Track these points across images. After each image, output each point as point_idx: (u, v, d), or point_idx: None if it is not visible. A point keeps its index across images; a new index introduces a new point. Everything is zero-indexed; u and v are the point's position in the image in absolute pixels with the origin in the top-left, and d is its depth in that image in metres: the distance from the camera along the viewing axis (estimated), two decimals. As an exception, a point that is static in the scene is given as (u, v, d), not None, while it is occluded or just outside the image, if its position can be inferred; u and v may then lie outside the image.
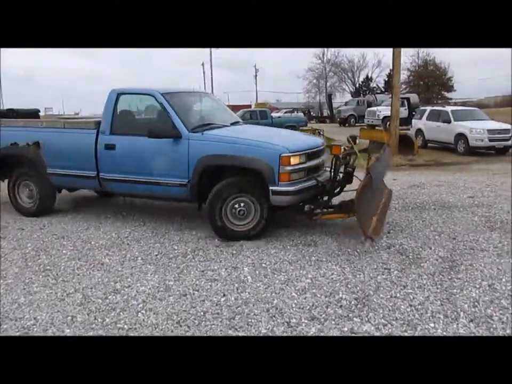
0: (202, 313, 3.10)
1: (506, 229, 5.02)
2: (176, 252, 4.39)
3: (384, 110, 22.78)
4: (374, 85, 53.36)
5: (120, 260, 4.19)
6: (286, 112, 33.91)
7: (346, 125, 30.97)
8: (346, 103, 37.35)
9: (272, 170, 4.46)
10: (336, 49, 52.66)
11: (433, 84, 43.19)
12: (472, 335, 2.80)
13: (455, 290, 3.40)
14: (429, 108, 15.90)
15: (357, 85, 55.20)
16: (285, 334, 2.82)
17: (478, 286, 3.47)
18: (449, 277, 3.66)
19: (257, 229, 4.70)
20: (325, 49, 53.68)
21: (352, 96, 50.85)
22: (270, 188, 4.48)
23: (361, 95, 45.71)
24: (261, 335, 2.83)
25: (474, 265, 3.92)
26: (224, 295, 3.38)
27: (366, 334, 2.81)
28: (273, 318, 3.03)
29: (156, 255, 4.31)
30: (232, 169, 4.74)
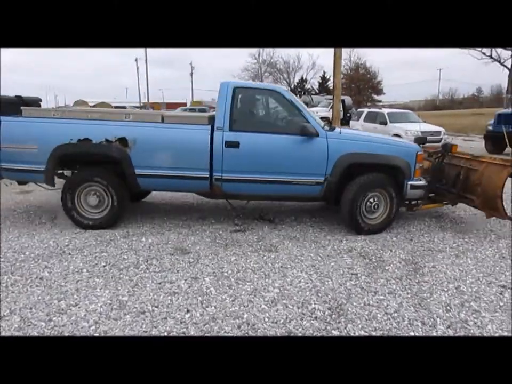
0: (166, 334, 2.76)
1: (457, 229, 5.14)
2: (126, 262, 3.97)
3: (321, 111, 23.26)
4: (309, 86, 54.62)
5: (62, 273, 3.69)
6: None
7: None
8: (283, 104, 37.61)
9: (409, 166, 4.90)
10: (271, 49, 53.25)
11: (364, 86, 44.99)
12: (472, 335, 2.78)
13: (425, 295, 3.34)
14: (366, 110, 16.41)
15: (292, 86, 56.18)
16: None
17: (445, 289, 3.44)
18: (417, 281, 3.61)
19: (383, 224, 4.98)
20: (261, 49, 54.12)
21: (287, 96, 51.56)
22: (408, 182, 4.91)
23: (297, 95, 46.52)
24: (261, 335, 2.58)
25: (437, 266, 3.92)
26: (188, 310, 3.05)
27: (366, 334, 2.72)
28: (247, 335, 2.77)
29: (104, 266, 3.87)
30: (368, 166, 4.90)
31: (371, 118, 15.45)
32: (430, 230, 5.11)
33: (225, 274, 3.70)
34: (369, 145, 4.97)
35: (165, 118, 4.94)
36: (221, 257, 4.09)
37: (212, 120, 4.85)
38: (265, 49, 53.02)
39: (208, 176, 4.78)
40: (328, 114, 21.46)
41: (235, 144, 4.72)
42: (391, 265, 3.96)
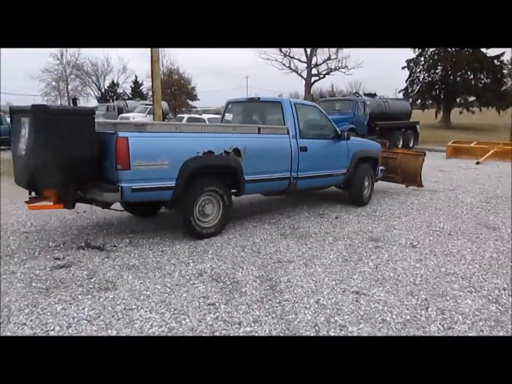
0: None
1: (297, 234, 5.19)
2: None
3: (137, 117, 22.28)
4: (121, 91, 52.32)
5: None
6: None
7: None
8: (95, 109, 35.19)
9: (379, 158, 7.41)
10: (76, 50, 49.27)
11: (179, 92, 45.16)
12: (471, 335, 2.83)
13: (290, 317, 3.10)
14: (186, 116, 16.24)
15: (103, 90, 53.06)
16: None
17: (308, 306, 3.28)
18: (278, 301, 3.36)
19: (369, 192, 7.19)
20: (64, 49, 49.54)
21: (98, 101, 48.54)
22: (379, 168, 7.40)
23: (110, 100, 44.02)
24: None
25: (291, 280, 3.77)
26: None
27: (366, 334, 2.79)
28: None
29: None
30: (366, 159, 7.00)
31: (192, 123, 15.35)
32: (273, 238, 5.02)
33: (52, 333, 2.83)
34: (364, 144, 7.30)
35: (261, 129, 5.55)
36: (42, 308, 3.16)
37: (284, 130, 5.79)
38: (69, 49, 48.69)
39: (288, 176, 5.74)
40: (146, 119, 20.68)
41: (304, 149, 5.87)
42: (248, 285, 3.65)
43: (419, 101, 34.61)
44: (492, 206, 6.93)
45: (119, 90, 52.65)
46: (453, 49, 32.74)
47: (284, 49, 42.22)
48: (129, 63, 49.50)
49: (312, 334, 2.86)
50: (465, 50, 32.43)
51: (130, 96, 47.61)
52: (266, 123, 6.30)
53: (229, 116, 6.83)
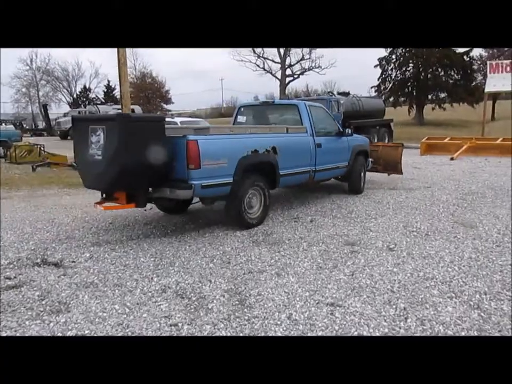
0: None
1: (270, 241, 4.94)
2: None
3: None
4: (94, 96, 51.31)
5: None
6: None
7: (69, 137, 28.34)
8: (65, 114, 34.56)
9: (369, 152, 8.31)
10: (46, 55, 48.15)
11: (153, 96, 44.52)
12: (471, 335, 2.79)
13: (259, 335, 2.85)
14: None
15: (75, 95, 51.95)
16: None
17: (279, 322, 3.01)
18: (246, 318, 3.09)
19: (363, 178, 8.12)
20: (33, 54, 48.31)
21: (70, 107, 47.54)
22: (369, 159, 8.24)
23: (82, 106, 43.05)
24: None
25: (262, 293, 3.50)
26: None
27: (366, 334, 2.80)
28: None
29: None
30: (361, 152, 7.85)
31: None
32: (244, 246, 4.76)
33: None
34: (359, 139, 7.97)
35: (288, 130, 6.34)
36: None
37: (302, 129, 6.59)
38: (38, 55, 47.48)
39: (309, 169, 6.49)
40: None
41: (320, 145, 6.65)
42: (215, 301, 3.37)
43: (392, 98, 34.96)
44: (468, 203, 6.83)
45: (91, 95, 51.66)
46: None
47: (257, 50, 42.12)
48: (102, 68, 48.39)
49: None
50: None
51: (103, 101, 46.71)
52: (282, 124, 6.94)
53: (242, 118, 7.37)
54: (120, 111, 21.94)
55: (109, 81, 50.76)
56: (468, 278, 3.76)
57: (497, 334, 2.81)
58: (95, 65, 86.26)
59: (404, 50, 33.64)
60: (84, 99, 50.10)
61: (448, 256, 4.32)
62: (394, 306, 3.22)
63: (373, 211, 6.37)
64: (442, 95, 34.12)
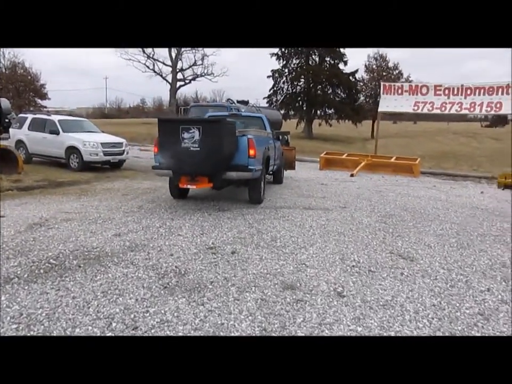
0: None
1: (187, 285, 3.74)
2: None
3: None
4: None
5: None
6: None
7: None
8: None
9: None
10: None
11: (24, 89, 39.48)
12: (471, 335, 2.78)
13: None
14: (30, 116, 13.32)
15: None
16: None
17: None
18: None
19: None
20: None
21: None
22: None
23: None
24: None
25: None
26: None
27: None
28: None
29: None
30: (282, 152, 11.11)
31: (38, 125, 12.65)
32: (153, 296, 3.51)
33: None
34: (278, 142, 10.36)
35: (269, 134, 9.57)
36: None
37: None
38: None
39: (273, 163, 9.33)
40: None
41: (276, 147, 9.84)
42: None
43: (282, 110, 35.67)
44: (391, 227, 6.37)
45: None
46: (314, 62, 34.47)
47: (147, 51, 40.01)
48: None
49: None
50: (324, 65, 34.41)
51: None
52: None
53: None
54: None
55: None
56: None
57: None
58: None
59: (296, 64, 34.58)
60: None
61: (409, 304, 3.58)
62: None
63: (299, 238, 5.51)
64: (330, 111, 35.75)
